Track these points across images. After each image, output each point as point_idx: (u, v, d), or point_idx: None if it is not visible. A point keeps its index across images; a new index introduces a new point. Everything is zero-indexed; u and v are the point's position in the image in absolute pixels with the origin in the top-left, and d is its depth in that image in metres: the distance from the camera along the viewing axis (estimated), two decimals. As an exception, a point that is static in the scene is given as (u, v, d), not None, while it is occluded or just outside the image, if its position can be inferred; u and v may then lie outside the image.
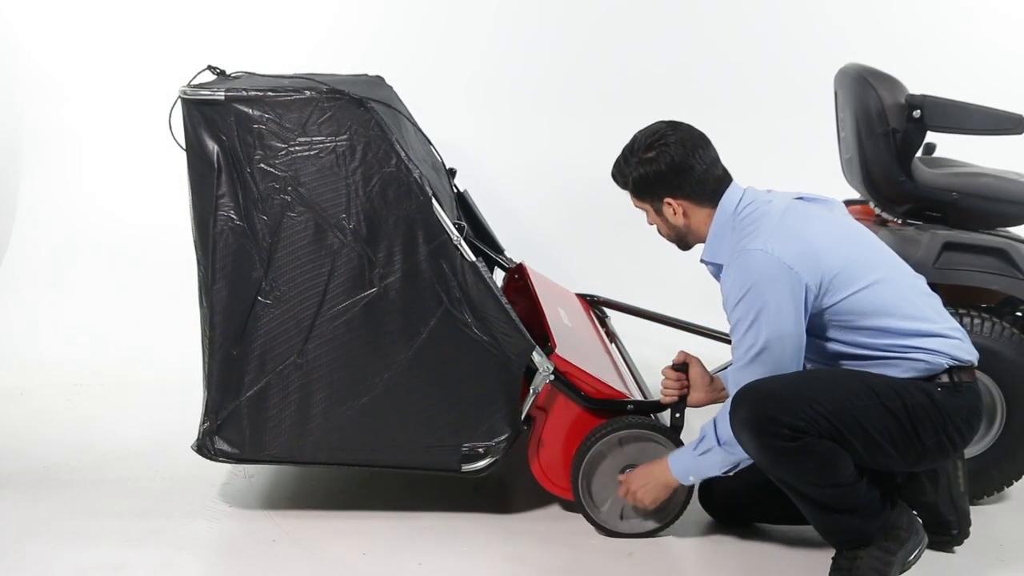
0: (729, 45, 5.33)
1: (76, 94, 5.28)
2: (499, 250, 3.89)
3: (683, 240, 2.90)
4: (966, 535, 2.92)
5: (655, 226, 2.92)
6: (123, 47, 5.24)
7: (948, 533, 2.90)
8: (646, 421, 3.00)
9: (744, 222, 2.75)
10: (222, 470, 3.45)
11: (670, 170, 2.78)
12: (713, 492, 3.05)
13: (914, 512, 2.78)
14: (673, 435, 3.01)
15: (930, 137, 3.51)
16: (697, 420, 3.10)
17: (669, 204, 2.81)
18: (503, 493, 3.31)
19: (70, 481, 3.40)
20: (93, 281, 5.00)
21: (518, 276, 3.80)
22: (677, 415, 3.05)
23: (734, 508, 3.06)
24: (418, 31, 5.26)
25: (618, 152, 2.89)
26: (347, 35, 5.24)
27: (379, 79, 3.56)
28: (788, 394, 2.57)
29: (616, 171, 2.88)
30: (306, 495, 3.32)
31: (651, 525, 3.02)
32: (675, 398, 3.05)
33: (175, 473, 3.46)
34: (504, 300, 2.98)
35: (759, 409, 2.57)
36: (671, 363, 3.09)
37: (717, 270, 2.82)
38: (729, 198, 2.81)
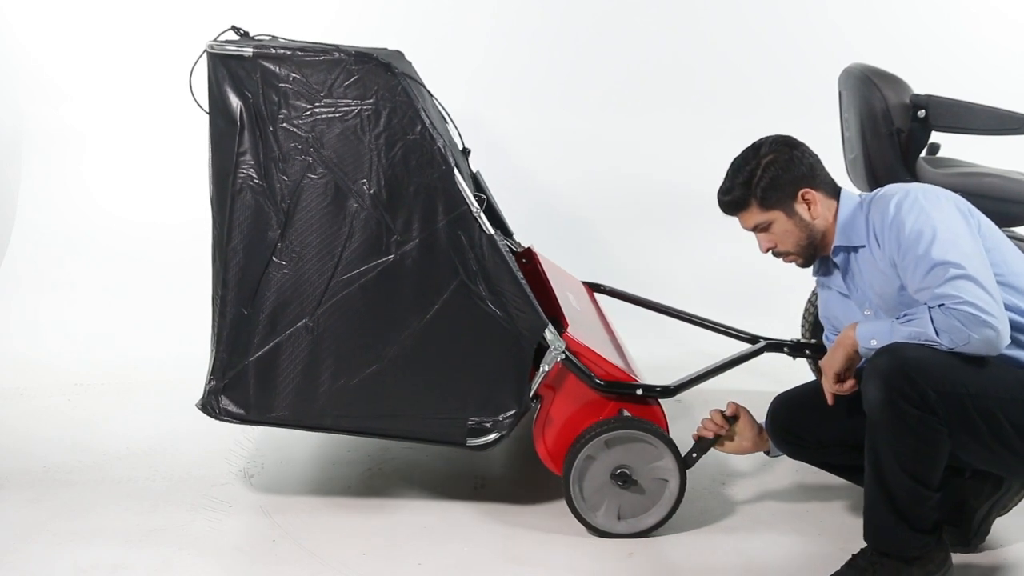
0: (732, 45, 5.33)
1: (76, 94, 5.28)
2: (508, 233, 3.87)
3: (812, 245, 2.81)
4: (975, 549, 2.91)
5: (772, 249, 2.83)
6: (123, 47, 5.24)
7: (964, 542, 2.88)
8: (632, 421, 2.98)
9: (878, 198, 2.72)
10: (222, 470, 3.44)
11: (796, 161, 2.76)
12: (783, 409, 2.99)
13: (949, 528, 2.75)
14: (662, 434, 2.99)
15: (934, 137, 3.51)
16: (693, 414, 3.10)
17: (805, 198, 2.76)
18: (503, 492, 3.30)
19: (70, 481, 3.39)
20: (93, 281, 5.01)
21: (526, 260, 3.78)
22: (694, 455, 3.03)
23: (799, 430, 2.97)
24: (419, 31, 5.27)
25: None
26: (346, 35, 5.22)
27: (399, 53, 3.55)
28: (934, 364, 2.48)
29: (731, 191, 2.80)
30: (306, 495, 3.31)
31: (649, 523, 3.00)
32: (709, 435, 3.04)
33: (175, 473, 3.44)
34: (520, 275, 2.96)
35: (900, 364, 2.49)
36: (724, 410, 3.06)
37: (847, 259, 2.79)
38: (848, 193, 2.81)
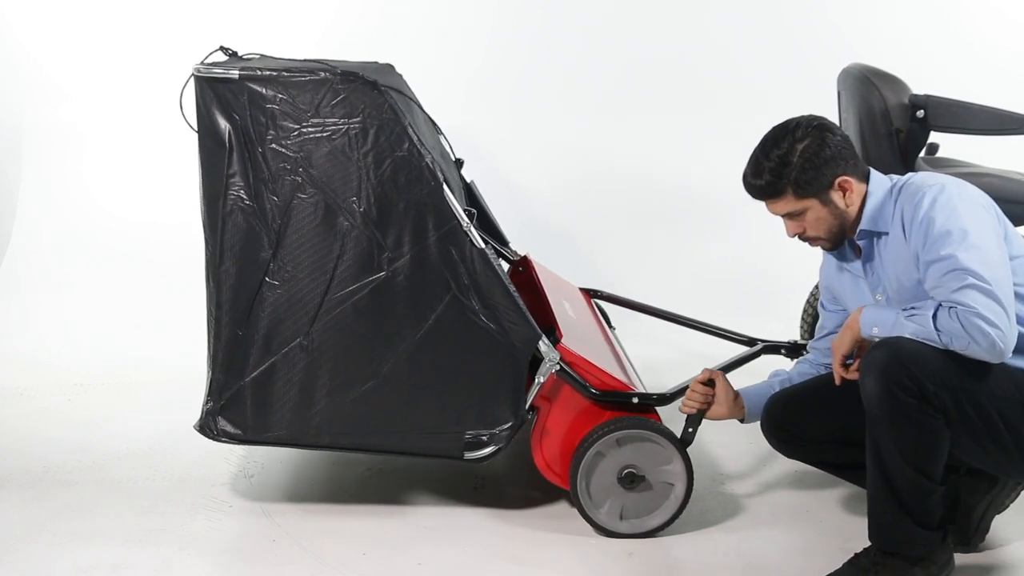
0: (731, 45, 5.34)
1: (76, 94, 5.28)
2: (504, 242, 3.88)
3: (842, 232, 2.77)
4: (975, 548, 2.91)
5: (800, 234, 2.78)
6: (123, 47, 5.25)
7: (964, 541, 2.87)
8: (645, 422, 2.99)
9: (910, 187, 2.68)
10: (222, 470, 3.44)
11: (832, 146, 2.68)
12: (778, 408, 2.98)
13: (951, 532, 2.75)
14: (674, 437, 3.00)
15: (933, 137, 3.51)
16: (710, 434, 3.09)
17: (841, 186, 2.69)
18: (503, 493, 3.30)
19: (70, 481, 3.40)
20: (93, 281, 5.01)
21: (522, 268, 3.79)
22: (690, 430, 3.03)
23: (795, 429, 2.95)
24: (418, 31, 5.27)
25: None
26: (346, 36, 5.25)
27: (389, 67, 3.56)
28: (932, 358, 2.49)
29: (761, 174, 2.70)
30: (306, 495, 3.31)
31: (651, 524, 3.01)
32: (694, 410, 3.03)
33: (175, 473, 3.45)
34: (512, 288, 2.97)
35: (897, 356, 2.49)
36: (698, 379, 3.06)
37: (870, 244, 2.76)
38: (879, 176, 2.76)
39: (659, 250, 5.25)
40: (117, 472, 3.47)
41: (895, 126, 3.38)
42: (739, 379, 3.18)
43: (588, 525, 3.03)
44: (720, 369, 3.16)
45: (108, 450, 3.64)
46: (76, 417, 3.98)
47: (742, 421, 3.07)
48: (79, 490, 3.33)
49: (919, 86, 3.55)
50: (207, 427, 3.06)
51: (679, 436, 3.01)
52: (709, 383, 3.04)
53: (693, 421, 3.04)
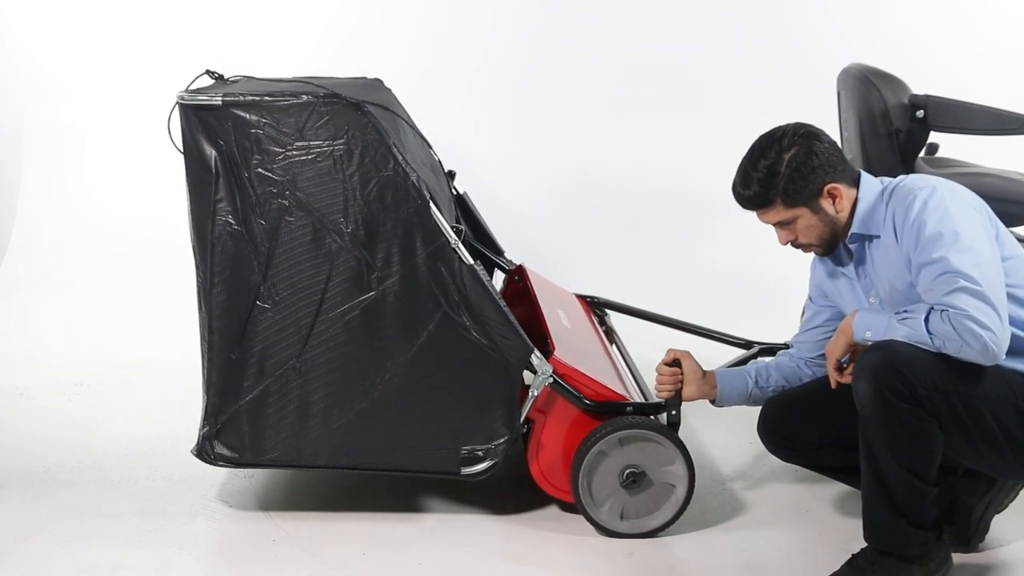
0: (731, 45, 5.34)
1: (76, 94, 5.29)
2: (499, 252, 3.88)
3: (834, 238, 2.77)
4: (975, 548, 2.91)
5: (792, 242, 2.79)
6: (123, 48, 5.25)
7: (963, 541, 2.88)
8: (648, 422, 2.99)
9: (901, 190, 2.69)
10: (222, 471, 3.43)
11: (820, 153, 2.67)
12: (774, 412, 2.98)
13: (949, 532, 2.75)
14: (673, 434, 3.00)
15: (933, 137, 3.51)
16: (710, 434, 3.09)
17: (831, 193, 2.70)
18: (503, 493, 3.30)
19: (70, 481, 3.40)
20: (93, 281, 5.01)
21: (518, 278, 3.80)
22: (673, 412, 3.04)
23: (790, 433, 2.96)
24: (417, 32, 5.27)
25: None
26: (346, 37, 5.25)
27: (378, 81, 3.56)
28: (925, 362, 2.49)
29: (750, 185, 2.71)
30: (306, 496, 3.31)
31: (651, 525, 3.01)
32: (671, 393, 3.03)
33: (175, 473, 3.45)
34: (502, 303, 2.97)
35: (890, 360, 2.49)
36: (663, 361, 3.06)
37: (862, 247, 2.77)
38: (869, 180, 2.76)
39: (658, 252, 5.24)
40: (117, 472, 3.47)
41: (895, 126, 3.38)
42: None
43: (588, 525, 3.03)
44: (718, 369, 3.16)
45: (108, 450, 3.64)
46: (76, 417, 3.98)
47: (713, 403, 3.06)
48: (79, 490, 3.33)
49: (919, 86, 3.55)
50: (204, 452, 3.07)
51: (667, 423, 3.01)
52: (675, 363, 3.04)
53: (673, 403, 3.04)
